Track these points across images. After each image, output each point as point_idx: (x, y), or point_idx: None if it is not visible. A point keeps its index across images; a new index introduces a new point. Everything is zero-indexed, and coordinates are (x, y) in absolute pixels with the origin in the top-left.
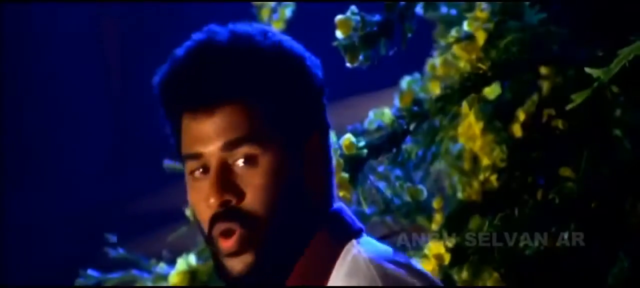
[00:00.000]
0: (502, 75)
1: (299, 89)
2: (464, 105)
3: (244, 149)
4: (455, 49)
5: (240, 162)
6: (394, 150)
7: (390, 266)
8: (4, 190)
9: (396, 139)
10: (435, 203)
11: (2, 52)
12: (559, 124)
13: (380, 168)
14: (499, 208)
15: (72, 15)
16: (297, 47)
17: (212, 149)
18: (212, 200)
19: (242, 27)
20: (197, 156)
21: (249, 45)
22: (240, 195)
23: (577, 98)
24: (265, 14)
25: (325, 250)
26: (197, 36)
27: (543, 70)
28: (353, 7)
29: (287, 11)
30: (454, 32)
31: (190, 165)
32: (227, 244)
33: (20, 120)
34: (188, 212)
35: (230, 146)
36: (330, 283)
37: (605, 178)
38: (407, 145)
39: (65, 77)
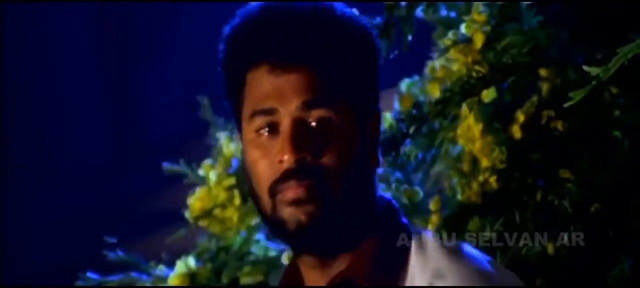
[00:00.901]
0: (501, 78)
1: (370, 64)
2: (464, 107)
3: (319, 112)
4: (452, 51)
5: (313, 124)
6: (393, 153)
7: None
8: (1, 191)
9: (395, 142)
10: (432, 205)
11: (1, 53)
12: (559, 125)
13: (380, 171)
14: (498, 210)
15: (71, 16)
16: (368, 25)
17: (289, 107)
18: (286, 157)
19: None
20: (269, 112)
21: (329, 13)
22: (317, 153)
23: (576, 96)
24: None
25: (395, 235)
26: None
27: (542, 72)
28: (354, 10)
29: None
30: (450, 35)
31: (257, 121)
32: (295, 192)
33: (18, 121)
34: (187, 214)
35: (308, 106)
36: (413, 269)
37: (606, 179)
38: (407, 147)
39: (65, 78)
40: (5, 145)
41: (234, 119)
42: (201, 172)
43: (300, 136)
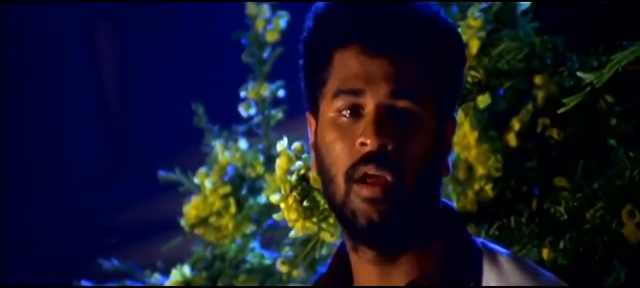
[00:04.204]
0: (496, 83)
1: (458, 69)
2: (460, 113)
3: (406, 103)
4: None
5: (398, 113)
6: None
7: None
8: None
9: None
10: None
11: None
12: (554, 133)
13: None
14: (494, 218)
15: (67, 24)
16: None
17: (377, 92)
18: (369, 140)
19: None
20: (356, 92)
21: (426, 9)
22: (399, 142)
23: (570, 101)
24: (259, 25)
25: (459, 240)
26: None
27: (537, 79)
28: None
29: (282, 22)
30: None
31: (340, 101)
32: (371, 191)
33: (14, 128)
34: (182, 222)
35: (395, 95)
36: (488, 281)
37: (600, 187)
38: None
39: (60, 84)
40: (1, 152)
41: (309, 98)
42: (196, 180)
43: (386, 122)
